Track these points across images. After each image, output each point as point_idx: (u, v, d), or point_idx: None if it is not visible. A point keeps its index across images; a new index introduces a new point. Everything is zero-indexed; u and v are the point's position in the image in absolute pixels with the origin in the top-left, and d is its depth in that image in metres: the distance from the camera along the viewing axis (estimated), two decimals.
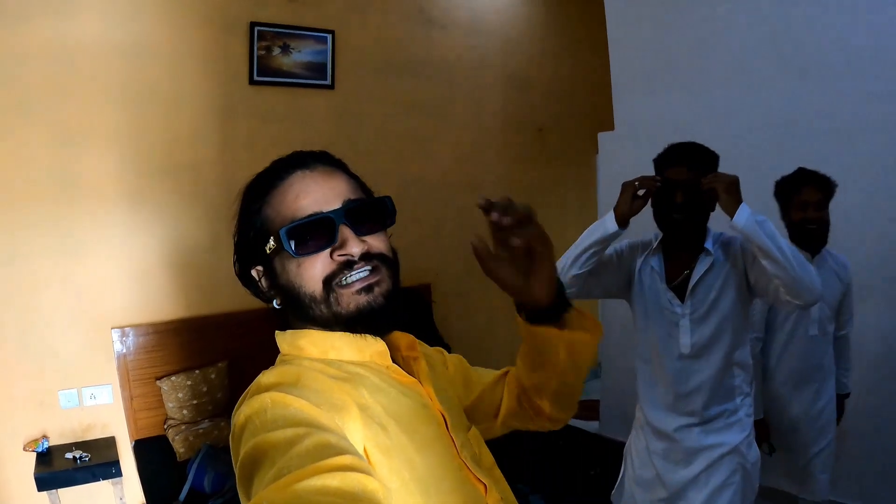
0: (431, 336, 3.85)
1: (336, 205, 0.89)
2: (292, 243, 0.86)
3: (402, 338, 1.00)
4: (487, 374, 1.16)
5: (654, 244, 2.06)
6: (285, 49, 3.53)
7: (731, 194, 1.80)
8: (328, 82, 3.73)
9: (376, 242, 0.91)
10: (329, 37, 3.68)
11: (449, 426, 0.94)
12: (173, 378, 3.10)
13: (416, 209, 4.11)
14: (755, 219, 1.74)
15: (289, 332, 0.94)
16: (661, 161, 2.02)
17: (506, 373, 1.16)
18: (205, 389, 3.14)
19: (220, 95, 3.34)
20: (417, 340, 1.05)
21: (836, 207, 2.49)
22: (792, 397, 2.51)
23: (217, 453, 2.84)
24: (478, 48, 4.41)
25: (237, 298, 3.42)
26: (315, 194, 0.89)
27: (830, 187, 2.44)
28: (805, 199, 2.44)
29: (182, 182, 3.26)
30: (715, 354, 1.97)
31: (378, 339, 0.92)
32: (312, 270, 0.88)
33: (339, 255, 0.87)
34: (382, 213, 0.93)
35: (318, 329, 0.91)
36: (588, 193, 4.96)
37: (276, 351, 0.95)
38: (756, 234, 1.72)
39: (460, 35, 4.32)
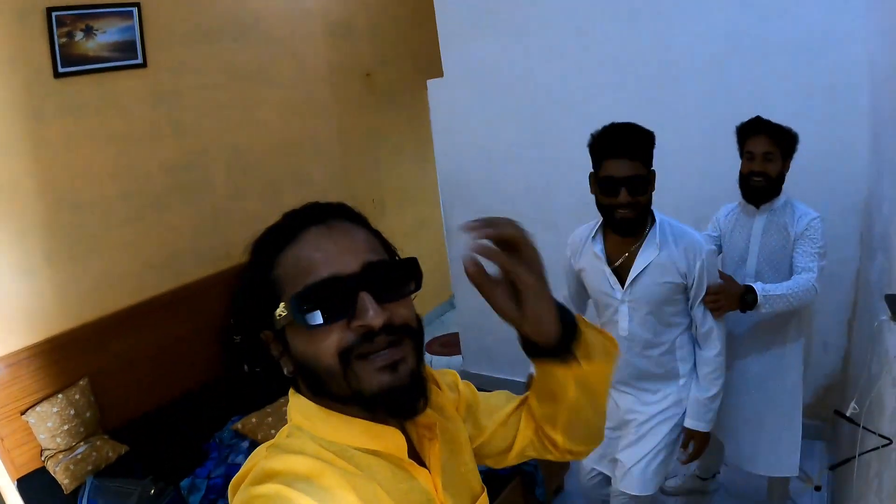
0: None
1: (355, 267, 0.84)
2: (305, 312, 0.81)
3: (423, 417, 0.94)
4: (501, 408, 1.15)
5: (594, 231, 2.21)
6: (88, 32, 3.39)
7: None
8: (140, 61, 3.65)
9: (400, 310, 0.86)
10: (134, 10, 3.56)
11: None
12: (38, 409, 3.14)
13: (253, 180, 4.25)
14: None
15: (304, 400, 0.90)
16: (598, 150, 2.05)
17: (521, 403, 1.15)
18: (72, 412, 3.21)
19: (24, 96, 3.19)
20: (439, 410, 1.02)
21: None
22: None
23: (102, 484, 2.98)
24: None
25: (80, 312, 3.44)
26: (331, 255, 0.84)
27: (785, 138, 2.41)
28: (751, 150, 2.43)
29: None
30: (656, 340, 2.23)
31: (396, 430, 0.90)
32: (327, 342, 0.82)
33: (358, 325, 0.82)
34: (407, 276, 0.89)
35: (333, 403, 0.87)
36: (425, 137, 5.25)
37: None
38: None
39: None
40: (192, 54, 3.88)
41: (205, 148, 4.01)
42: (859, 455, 1.89)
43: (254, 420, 3.40)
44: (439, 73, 4.10)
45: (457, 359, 4.70)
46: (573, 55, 3.62)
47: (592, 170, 2.10)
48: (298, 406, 0.90)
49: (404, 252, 0.93)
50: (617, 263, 2.18)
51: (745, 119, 2.51)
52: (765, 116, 2.48)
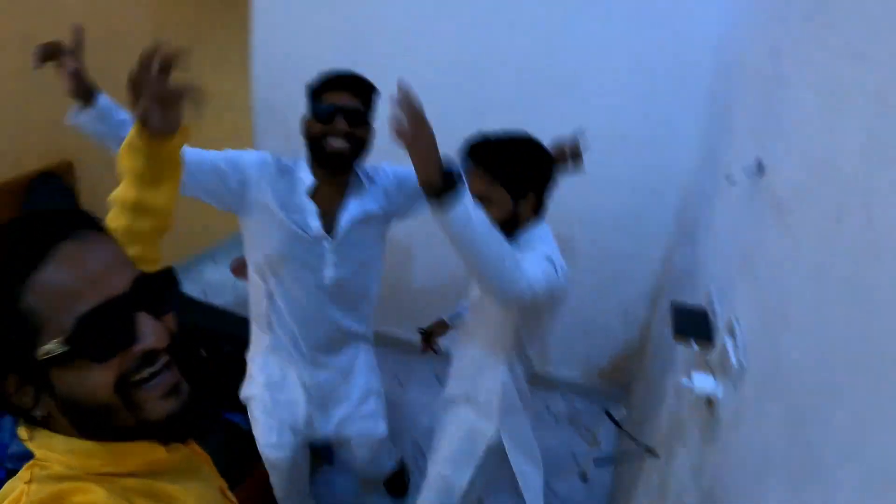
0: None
1: (125, 285, 0.78)
2: (88, 347, 0.73)
3: None
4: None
5: (298, 167, 2.01)
6: None
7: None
8: None
9: (172, 322, 0.84)
10: None
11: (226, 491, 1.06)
12: None
13: (47, 77, 3.78)
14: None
15: (44, 433, 0.80)
16: (320, 87, 1.91)
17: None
18: None
19: None
20: None
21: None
22: None
23: None
24: None
25: None
26: (96, 275, 0.75)
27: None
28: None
29: None
30: (359, 292, 2.16)
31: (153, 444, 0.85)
32: (104, 376, 0.75)
33: (143, 350, 0.78)
34: (172, 285, 0.86)
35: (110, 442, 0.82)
36: (242, 35, 4.93)
37: None
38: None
39: None
40: None
41: None
42: (624, 460, 2.06)
43: None
44: None
45: None
46: None
47: (307, 112, 1.95)
48: (41, 442, 0.81)
49: None
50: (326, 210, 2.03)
51: None
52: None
